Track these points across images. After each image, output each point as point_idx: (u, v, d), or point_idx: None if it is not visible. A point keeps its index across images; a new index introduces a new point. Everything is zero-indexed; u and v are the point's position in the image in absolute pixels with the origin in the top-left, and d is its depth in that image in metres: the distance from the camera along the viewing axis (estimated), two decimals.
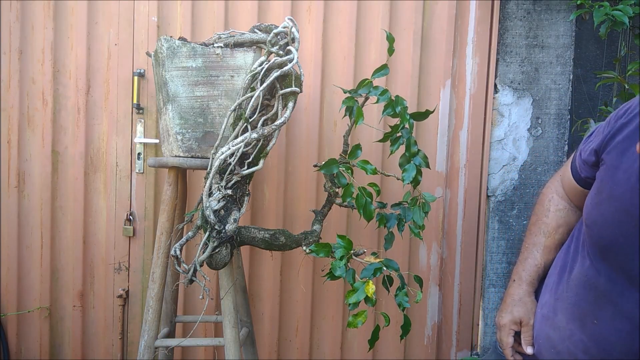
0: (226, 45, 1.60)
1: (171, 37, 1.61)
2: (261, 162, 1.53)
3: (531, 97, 2.09)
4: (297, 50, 1.52)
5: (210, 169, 1.49)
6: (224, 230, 1.47)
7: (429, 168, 1.69)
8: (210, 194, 1.49)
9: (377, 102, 1.58)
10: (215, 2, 2.03)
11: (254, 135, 1.48)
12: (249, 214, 2.09)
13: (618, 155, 0.92)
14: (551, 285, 1.08)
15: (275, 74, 1.48)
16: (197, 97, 1.61)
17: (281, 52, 1.52)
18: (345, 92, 1.65)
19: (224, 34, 1.65)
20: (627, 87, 1.77)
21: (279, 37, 1.53)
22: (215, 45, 1.60)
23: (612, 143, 0.94)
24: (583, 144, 1.07)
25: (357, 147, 1.66)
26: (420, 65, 2.10)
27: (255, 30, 1.64)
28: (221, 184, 1.49)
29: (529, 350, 1.11)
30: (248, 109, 1.49)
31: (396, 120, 1.60)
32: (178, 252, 1.51)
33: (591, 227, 0.97)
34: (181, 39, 1.62)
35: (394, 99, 1.59)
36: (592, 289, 0.95)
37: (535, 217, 1.18)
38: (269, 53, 1.53)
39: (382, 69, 1.62)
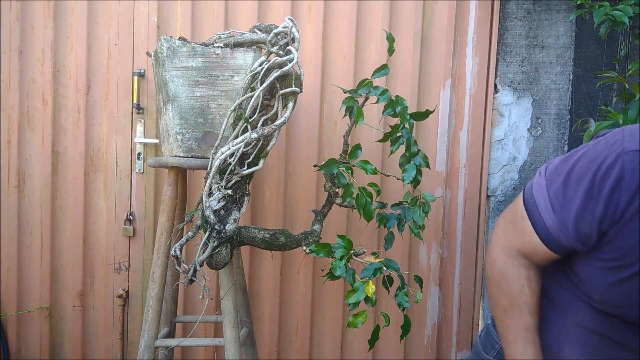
0: (226, 45, 1.60)
1: (171, 37, 1.61)
2: (261, 162, 1.53)
3: (531, 97, 2.10)
4: (297, 50, 1.52)
5: (210, 169, 1.49)
6: (224, 230, 1.47)
7: (429, 168, 1.69)
8: (210, 194, 1.49)
9: (377, 102, 1.58)
10: (215, 2, 2.03)
11: (254, 135, 1.48)
12: (249, 214, 2.09)
13: (634, 232, 0.80)
14: (555, 326, 1.00)
15: (275, 74, 1.48)
16: (197, 97, 1.61)
17: (281, 52, 1.52)
18: (345, 92, 1.65)
19: (224, 34, 1.65)
20: (627, 87, 1.77)
21: (279, 37, 1.53)
22: (215, 45, 1.60)
23: (622, 220, 0.80)
24: (568, 225, 0.87)
25: (357, 147, 1.66)
26: (420, 65, 2.10)
27: (255, 30, 1.64)
28: (221, 184, 1.49)
29: None
30: (248, 109, 1.49)
31: (396, 120, 1.61)
32: (178, 252, 1.51)
33: (609, 306, 0.88)
34: (181, 39, 1.62)
35: (394, 99, 1.59)
36: (605, 338, 0.91)
37: (509, 299, 0.97)
38: (269, 53, 1.53)
39: (382, 69, 1.62)
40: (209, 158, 1.58)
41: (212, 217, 1.46)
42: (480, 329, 2.20)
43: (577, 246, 0.87)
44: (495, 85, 2.11)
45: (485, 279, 1.02)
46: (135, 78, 2.03)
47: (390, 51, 1.62)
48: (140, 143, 2.07)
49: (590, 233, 0.84)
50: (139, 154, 2.08)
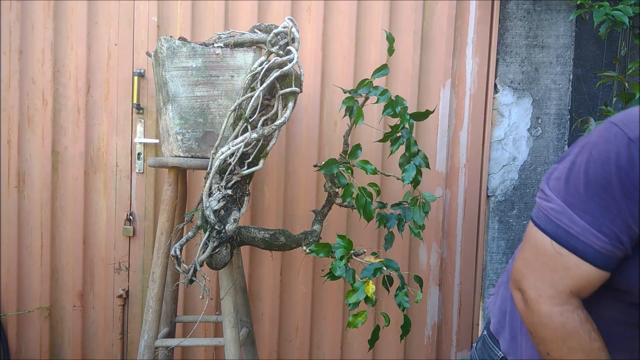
0: (226, 45, 1.60)
1: (171, 37, 1.61)
2: (261, 162, 1.53)
3: (531, 97, 2.10)
4: (297, 50, 1.52)
5: (210, 169, 1.49)
6: (224, 230, 1.47)
7: (429, 168, 1.69)
8: (210, 194, 1.49)
9: (377, 102, 1.59)
10: (215, 2, 2.03)
11: (254, 135, 1.48)
12: (249, 214, 2.09)
13: None
14: None
15: (275, 74, 1.48)
16: (197, 97, 1.61)
17: (281, 52, 1.52)
18: (345, 92, 1.65)
19: (224, 34, 1.65)
20: (627, 87, 1.77)
21: (279, 37, 1.53)
22: (215, 45, 1.60)
23: None
24: (603, 233, 0.79)
25: (357, 147, 1.66)
26: (420, 65, 2.10)
27: (255, 30, 1.64)
28: (221, 184, 1.49)
29: None
30: (248, 109, 1.49)
31: (396, 120, 1.61)
32: (178, 252, 1.51)
33: None
34: (181, 39, 1.62)
35: (394, 99, 1.59)
36: (636, 327, 0.88)
37: (584, 353, 0.83)
38: (269, 53, 1.53)
39: (382, 69, 1.62)
40: (209, 158, 1.58)
41: (212, 217, 1.46)
42: (480, 329, 2.20)
43: (630, 252, 0.81)
44: (495, 85, 2.11)
45: (540, 344, 0.86)
46: (135, 78, 2.03)
47: (390, 51, 1.62)
48: (140, 143, 2.07)
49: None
50: (139, 154, 2.08)
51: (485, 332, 1.09)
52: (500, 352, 1.02)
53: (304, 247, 1.58)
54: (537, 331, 0.85)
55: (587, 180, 0.78)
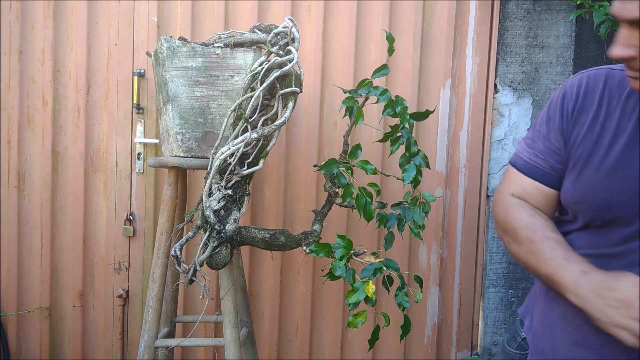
0: (226, 45, 1.60)
1: (171, 37, 1.61)
2: (261, 162, 1.53)
3: (531, 97, 2.10)
4: (297, 50, 1.52)
5: (210, 169, 1.49)
6: (224, 230, 1.47)
7: (429, 168, 1.69)
8: (210, 194, 1.49)
9: (377, 102, 1.58)
10: (215, 2, 2.03)
11: (254, 135, 1.48)
12: (249, 214, 2.09)
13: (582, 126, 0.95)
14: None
15: (275, 74, 1.48)
16: (197, 97, 1.61)
17: (281, 52, 1.52)
18: (345, 92, 1.65)
19: (224, 34, 1.65)
20: None
21: (279, 37, 1.53)
22: (215, 45, 1.60)
23: (574, 120, 0.96)
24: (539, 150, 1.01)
25: (357, 147, 1.66)
26: (420, 65, 2.10)
27: (255, 30, 1.64)
28: (221, 184, 1.49)
29: None
30: (248, 109, 1.49)
31: (396, 120, 1.61)
32: (178, 252, 1.51)
33: (585, 203, 0.93)
34: (181, 39, 1.62)
35: (394, 99, 1.59)
36: (598, 256, 0.92)
37: (526, 229, 0.96)
38: (269, 53, 1.53)
39: (382, 69, 1.62)
40: (209, 158, 1.58)
41: (212, 217, 1.46)
42: (480, 329, 2.20)
43: (556, 166, 0.98)
44: (495, 85, 2.11)
45: (503, 238, 1.04)
46: (135, 78, 2.03)
47: (390, 51, 1.62)
48: (140, 143, 2.07)
49: (559, 146, 0.97)
50: (139, 154, 2.08)
51: (518, 318, 1.24)
52: (522, 333, 1.15)
53: (304, 247, 1.58)
54: (497, 230, 1.06)
55: (535, 122, 1.05)
